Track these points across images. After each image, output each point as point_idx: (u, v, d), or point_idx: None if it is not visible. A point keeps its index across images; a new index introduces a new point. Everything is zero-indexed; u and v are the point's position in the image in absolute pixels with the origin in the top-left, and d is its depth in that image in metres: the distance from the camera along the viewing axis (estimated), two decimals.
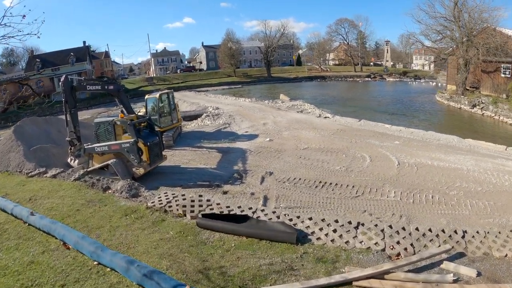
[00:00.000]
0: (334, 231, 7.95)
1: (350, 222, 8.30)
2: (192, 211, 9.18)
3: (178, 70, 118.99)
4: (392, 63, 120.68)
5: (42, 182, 13.77)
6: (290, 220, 8.52)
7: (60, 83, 17.24)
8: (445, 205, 13.45)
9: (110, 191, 11.90)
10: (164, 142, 19.83)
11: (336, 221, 8.39)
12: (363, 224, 8.27)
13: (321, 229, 8.02)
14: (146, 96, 26.73)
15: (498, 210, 12.92)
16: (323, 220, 8.48)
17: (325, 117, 30.83)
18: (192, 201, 9.77)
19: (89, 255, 6.57)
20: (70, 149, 17.72)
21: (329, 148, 21.07)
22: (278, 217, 8.86)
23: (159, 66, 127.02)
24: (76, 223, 8.45)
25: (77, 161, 18.08)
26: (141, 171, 16.41)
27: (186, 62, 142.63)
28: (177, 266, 6.33)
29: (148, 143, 16.54)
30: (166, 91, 27.30)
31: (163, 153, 18.13)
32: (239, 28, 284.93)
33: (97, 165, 16.99)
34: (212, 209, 9.36)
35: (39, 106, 37.16)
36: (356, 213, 13.05)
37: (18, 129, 19.74)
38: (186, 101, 48.36)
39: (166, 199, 10.04)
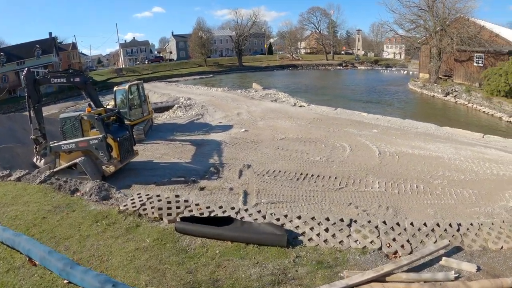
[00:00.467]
0: (326, 230, 7.33)
1: (342, 220, 7.69)
2: (169, 214, 8.36)
3: (147, 61, 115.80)
4: (363, 52, 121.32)
5: (5, 187, 12.62)
6: (278, 220, 7.83)
7: (22, 76, 16.25)
8: (430, 194, 13.17)
9: (78, 194, 10.96)
10: (135, 136, 18.66)
11: (327, 219, 7.77)
12: (355, 221, 7.67)
13: (312, 229, 7.38)
14: (115, 88, 25.43)
15: (482, 199, 12.73)
16: (313, 218, 7.83)
17: (300, 106, 30.33)
18: (169, 202, 8.93)
19: (58, 273, 5.66)
20: (35, 148, 16.66)
21: (307, 138, 20.59)
22: (264, 217, 8.16)
23: (128, 57, 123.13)
24: (42, 233, 7.52)
25: (43, 160, 16.97)
26: (111, 169, 15.42)
27: (156, 52, 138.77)
28: (158, 281, 5.56)
29: (118, 138, 15.55)
30: (136, 82, 25.97)
31: (134, 148, 17.13)
32: (210, 17, 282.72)
33: (64, 164, 15.88)
34: (191, 210, 8.56)
35: None
36: (341, 206, 12.69)
37: None
38: (156, 92, 46.74)
39: (140, 201, 9.15)
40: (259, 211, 8.55)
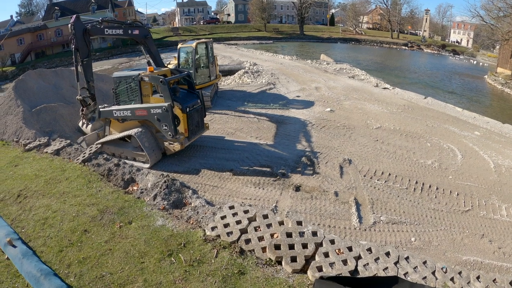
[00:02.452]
0: None
1: None
2: (293, 259, 5.30)
3: (201, 21, 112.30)
4: (429, 34, 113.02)
5: (39, 162, 10.87)
6: (452, 280, 4.74)
7: (69, 25, 13.24)
8: None
9: (135, 188, 8.53)
10: None
11: None
12: None
13: None
14: (179, 45, 21.96)
15: None
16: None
17: (384, 88, 26.28)
18: (289, 235, 5.81)
19: None
20: (82, 110, 14.20)
21: (406, 130, 16.96)
22: (433, 272, 5.03)
23: (185, 17, 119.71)
24: (82, 264, 4.67)
25: (90, 125, 14.65)
26: (176, 147, 12.54)
27: (212, 14, 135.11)
28: None
29: (188, 109, 12.44)
30: (204, 40, 22.55)
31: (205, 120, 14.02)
32: None
33: (116, 134, 13.36)
34: (326, 254, 5.45)
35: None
36: (473, 238, 9.61)
37: (19, 85, 16.01)
38: (216, 54, 43.40)
39: (237, 222, 6.12)
40: (424, 263, 5.38)
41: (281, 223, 6.30)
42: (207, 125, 13.97)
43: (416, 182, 11.95)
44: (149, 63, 15.70)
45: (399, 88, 26.83)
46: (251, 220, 6.27)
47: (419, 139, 16.01)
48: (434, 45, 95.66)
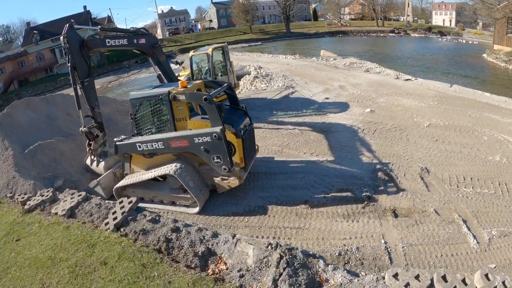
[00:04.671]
0: None
1: None
2: None
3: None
4: (413, 18, 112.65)
5: (50, 231, 7.91)
6: None
7: (61, 37, 10.71)
8: None
9: (223, 269, 5.96)
10: None
11: None
12: None
13: None
14: (191, 53, 19.97)
15: None
16: None
17: (406, 80, 24.87)
18: None
19: None
20: (89, 144, 11.69)
21: (454, 124, 15.61)
22: None
23: (167, 27, 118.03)
24: None
25: (102, 163, 11.84)
26: (232, 182, 9.88)
27: (192, 22, 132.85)
28: None
29: (242, 131, 10.03)
30: (220, 45, 20.55)
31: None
32: None
33: (145, 174, 10.51)
34: None
35: None
36: None
37: (4, 121, 12.74)
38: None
39: None
40: None
41: (464, 282, 4.76)
42: (257, 147, 11.67)
43: (499, 184, 10.58)
44: (159, 78, 13.79)
45: (421, 79, 25.45)
46: None
47: (473, 133, 14.66)
48: (420, 28, 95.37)
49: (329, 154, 12.87)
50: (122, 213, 7.99)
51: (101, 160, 11.84)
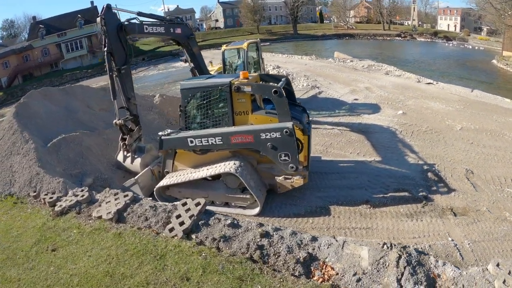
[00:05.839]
0: None
1: None
2: None
3: None
4: (418, 22, 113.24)
5: (97, 238, 6.72)
6: None
7: (99, 18, 9.82)
8: None
9: (332, 274, 5.56)
10: None
11: None
12: None
13: None
14: (223, 48, 19.46)
15: None
16: None
17: (428, 83, 25.33)
18: None
19: None
20: (123, 138, 10.89)
21: (484, 128, 16.05)
22: None
23: None
24: None
25: (137, 159, 11.00)
26: (297, 182, 9.33)
27: (198, 21, 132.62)
28: None
29: (307, 128, 9.86)
30: (254, 40, 20.44)
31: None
32: None
33: (196, 172, 9.61)
34: None
35: None
36: None
37: (22, 111, 11.72)
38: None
39: None
40: None
41: None
42: None
43: None
44: (192, 71, 13.59)
45: (442, 83, 25.88)
46: None
47: (503, 137, 15.13)
48: (427, 33, 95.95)
49: (375, 155, 13.25)
50: (190, 217, 7.12)
51: (136, 156, 11.03)
